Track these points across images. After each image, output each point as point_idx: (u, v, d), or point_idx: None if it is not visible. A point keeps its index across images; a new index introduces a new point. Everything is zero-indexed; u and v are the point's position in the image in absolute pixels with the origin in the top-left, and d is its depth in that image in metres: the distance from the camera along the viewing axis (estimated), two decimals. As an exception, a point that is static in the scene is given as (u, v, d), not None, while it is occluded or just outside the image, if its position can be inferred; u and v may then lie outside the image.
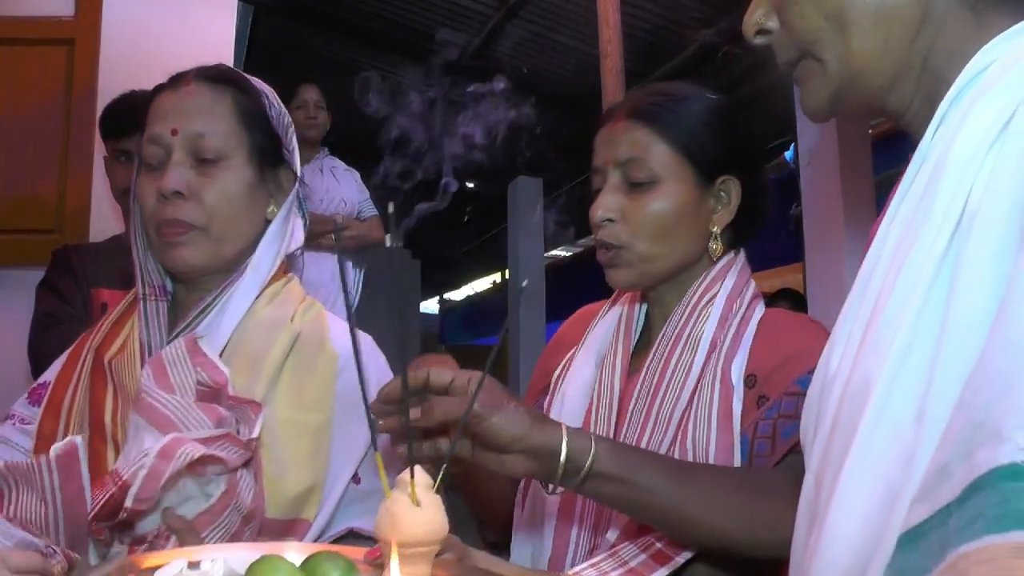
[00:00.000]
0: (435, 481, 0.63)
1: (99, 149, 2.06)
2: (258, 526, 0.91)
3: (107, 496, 0.83)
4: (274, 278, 1.06)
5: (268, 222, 1.07)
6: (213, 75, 1.05)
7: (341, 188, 3.09)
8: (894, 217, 0.62)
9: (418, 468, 0.61)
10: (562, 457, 0.79)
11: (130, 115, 1.91)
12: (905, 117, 0.68)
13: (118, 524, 0.85)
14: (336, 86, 3.07)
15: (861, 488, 0.54)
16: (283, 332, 1.02)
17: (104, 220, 2.41)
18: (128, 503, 0.82)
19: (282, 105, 1.10)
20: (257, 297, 1.04)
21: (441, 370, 0.80)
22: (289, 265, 1.12)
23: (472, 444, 0.81)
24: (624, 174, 1.03)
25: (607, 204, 1.02)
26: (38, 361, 1.85)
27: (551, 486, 0.83)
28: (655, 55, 4.91)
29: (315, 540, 0.96)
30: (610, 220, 1.02)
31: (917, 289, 0.55)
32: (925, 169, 0.60)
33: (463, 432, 0.78)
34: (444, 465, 0.69)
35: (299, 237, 1.10)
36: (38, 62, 2.51)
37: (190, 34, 2.58)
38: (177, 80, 1.05)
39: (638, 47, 4.52)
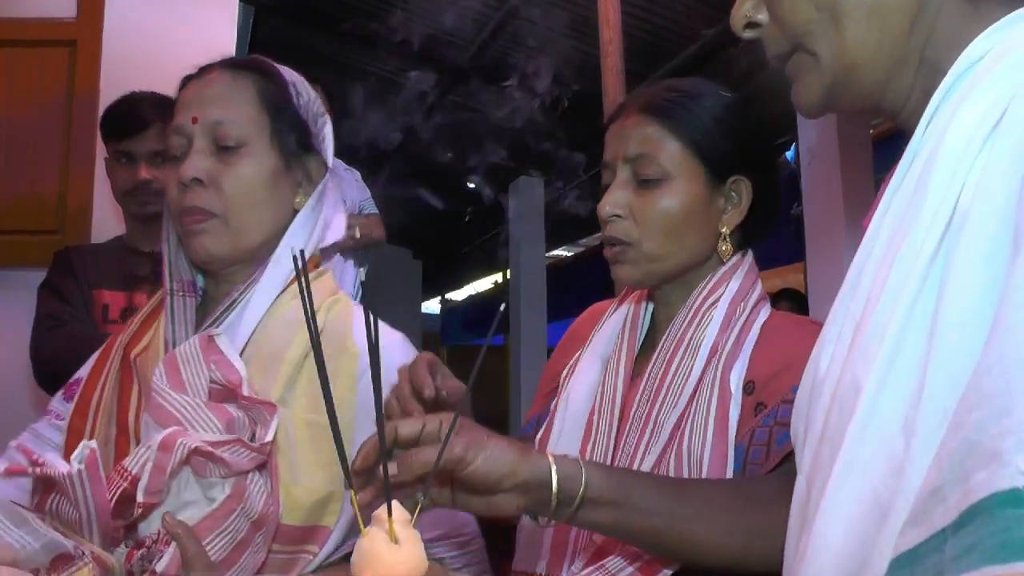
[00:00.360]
0: (412, 517, 0.60)
1: (101, 150, 2.06)
2: (272, 533, 0.88)
3: (118, 491, 0.81)
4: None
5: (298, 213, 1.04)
6: (237, 63, 1.04)
7: (342, 187, 3.09)
8: (885, 213, 0.60)
9: (395, 503, 0.59)
10: (554, 487, 0.75)
11: (131, 117, 1.91)
12: (903, 114, 0.66)
13: (129, 524, 0.83)
14: (337, 87, 3.07)
15: (848, 495, 0.53)
16: (302, 330, 0.97)
17: (106, 221, 2.40)
18: (139, 497, 0.80)
19: (312, 94, 1.07)
20: (283, 292, 1.01)
21: (409, 421, 0.75)
22: (323, 259, 1.09)
23: (452, 491, 0.76)
24: (633, 170, 1.01)
25: (615, 200, 1.01)
26: (40, 362, 1.85)
27: (542, 519, 0.79)
28: (655, 55, 4.91)
29: (336, 548, 0.93)
30: (618, 216, 1.01)
31: (906, 291, 0.53)
32: (916, 165, 0.58)
33: (443, 480, 0.74)
34: (418, 510, 0.65)
35: (337, 230, 1.07)
36: (40, 63, 2.51)
37: (191, 35, 2.58)
38: (203, 70, 1.04)
39: (638, 47, 4.52)
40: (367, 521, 0.61)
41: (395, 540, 0.58)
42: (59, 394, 1.07)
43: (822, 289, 3.11)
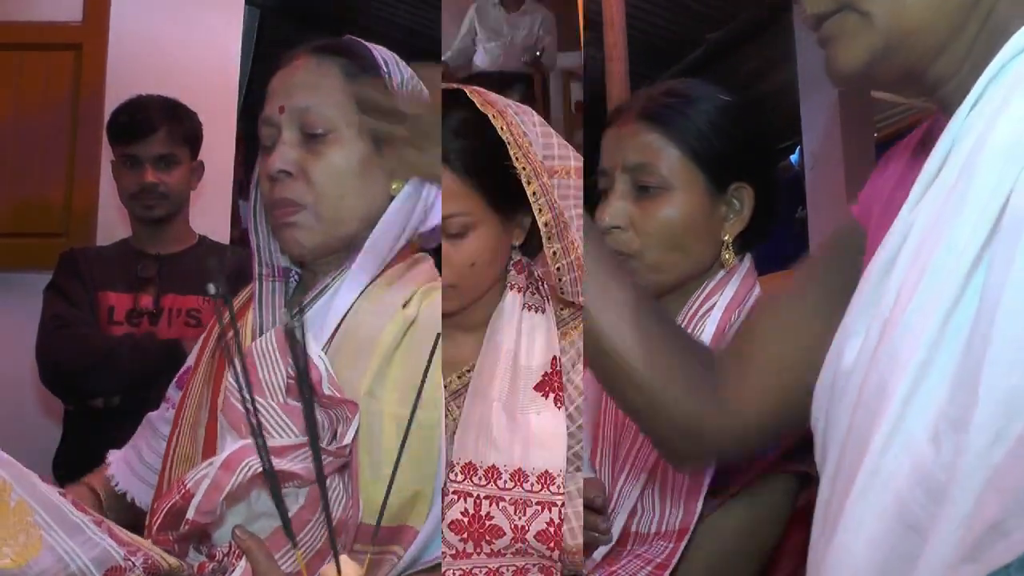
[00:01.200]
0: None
1: (106, 153, 2.07)
2: (351, 537, 0.83)
3: (170, 505, 0.77)
4: (399, 259, 0.98)
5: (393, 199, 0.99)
6: (323, 47, 0.99)
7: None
8: (918, 201, 0.55)
9: (344, 558, 0.57)
10: None
11: (137, 120, 1.91)
12: (947, 87, 0.59)
13: (186, 535, 0.79)
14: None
15: (871, 507, 0.50)
16: (393, 319, 0.92)
17: (111, 224, 2.41)
18: (189, 515, 0.76)
19: (408, 72, 1.02)
20: (377, 278, 0.95)
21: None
22: (425, 242, 1.04)
23: None
24: (632, 180, 0.98)
25: (614, 211, 0.98)
26: (46, 364, 1.86)
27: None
28: (660, 59, 4.91)
29: (420, 552, 0.87)
30: (618, 227, 0.98)
31: (943, 295, 0.49)
32: (959, 152, 0.53)
33: None
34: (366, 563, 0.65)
35: (439, 215, 1.01)
36: (46, 66, 2.51)
37: (197, 39, 2.58)
38: (289, 56, 1.00)
39: (642, 51, 4.53)
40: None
41: None
42: (173, 382, 1.06)
43: (826, 292, 3.11)
